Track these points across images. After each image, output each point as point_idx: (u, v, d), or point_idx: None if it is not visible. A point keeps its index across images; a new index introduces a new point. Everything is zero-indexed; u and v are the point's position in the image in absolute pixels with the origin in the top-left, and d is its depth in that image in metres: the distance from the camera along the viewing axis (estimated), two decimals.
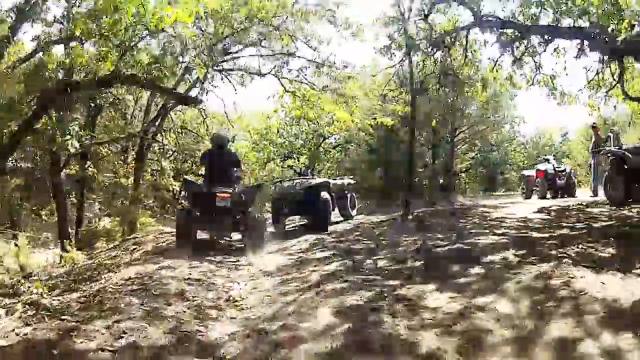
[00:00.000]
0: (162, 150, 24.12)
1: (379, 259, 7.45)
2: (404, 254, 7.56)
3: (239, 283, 6.76)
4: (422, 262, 6.79)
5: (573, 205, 12.06)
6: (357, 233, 10.66)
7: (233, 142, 22.52)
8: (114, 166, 21.96)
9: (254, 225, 9.31)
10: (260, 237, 9.31)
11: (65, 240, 14.61)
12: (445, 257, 6.88)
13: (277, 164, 29.05)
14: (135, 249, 10.64)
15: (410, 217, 11.58)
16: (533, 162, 34.89)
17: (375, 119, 20.16)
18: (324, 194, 11.84)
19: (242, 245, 9.36)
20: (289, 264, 7.92)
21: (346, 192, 13.78)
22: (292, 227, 13.42)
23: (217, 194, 8.58)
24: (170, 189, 28.45)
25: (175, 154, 31.95)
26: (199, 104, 11.14)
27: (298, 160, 27.74)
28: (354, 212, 14.10)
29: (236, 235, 10.06)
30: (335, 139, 28.17)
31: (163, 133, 21.53)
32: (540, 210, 11.28)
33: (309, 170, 14.14)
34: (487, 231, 8.66)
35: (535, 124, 62.70)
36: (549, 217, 10.38)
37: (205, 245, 9.24)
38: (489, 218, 10.75)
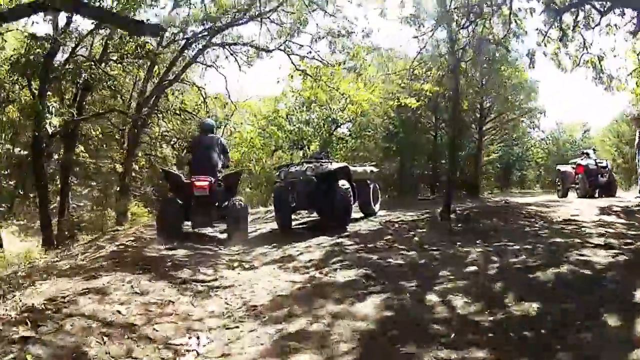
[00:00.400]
0: (161, 135, 21.39)
1: (445, 289, 4.59)
2: (482, 279, 4.78)
3: (198, 337, 3.82)
4: (533, 304, 3.95)
5: (633, 205, 9.91)
6: (388, 237, 7.60)
7: (220, 127, 21.28)
8: (104, 149, 19.24)
9: (235, 214, 8.38)
10: (242, 229, 8.45)
11: (46, 232, 13.69)
12: (563, 289, 4.10)
13: (285, 151, 26.21)
14: (98, 247, 8.06)
15: (453, 215, 8.76)
16: (554, 159, 32.18)
17: (398, 99, 17.17)
18: (344, 183, 9.00)
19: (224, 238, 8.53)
20: (292, 292, 4.95)
21: (369, 181, 10.91)
22: (300, 225, 10.55)
23: (194, 184, 7.98)
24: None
25: (178, 140, 29.64)
26: (158, 33, 8.87)
27: (308, 149, 24.89)
28: (377, 207, 11.13)
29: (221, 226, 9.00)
30: (348, 127, 25.16)
31: (161, 115, 18.76)
32: (605, 212, 8.91)
33: (324, 153, 10.92)
34: (578, 241, 6.05)
35: (554, 118, 59.28)
36: (627, 221, 7.91)
37: (187, 239, 8.02)
38: (555, 220, 8.14)
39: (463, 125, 20.19)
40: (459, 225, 8.10)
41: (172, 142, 28.81)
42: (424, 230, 8.03)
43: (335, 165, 9.39)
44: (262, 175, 24.73)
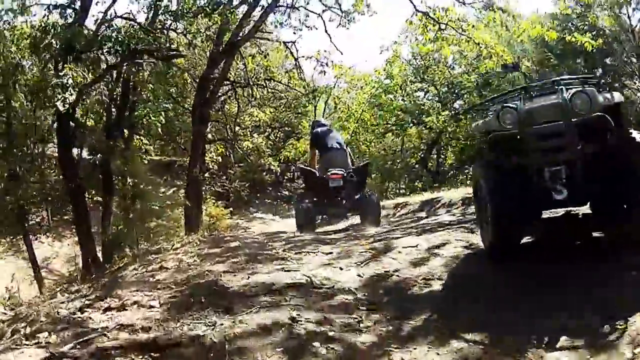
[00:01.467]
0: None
1: None
2: None
3: None
4: None
5: None
6: None
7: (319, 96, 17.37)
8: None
9: (367, 205, 8.32)
10: (375, 219, 8.17)
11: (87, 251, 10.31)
12: None
13: (400, 132, 20.60)
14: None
15: None
16: None
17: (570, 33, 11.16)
18: None
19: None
20: None
21: None
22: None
23: (330, 175, 8.01)
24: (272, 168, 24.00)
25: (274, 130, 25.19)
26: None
27: (425, 127, 19.13)
28: None
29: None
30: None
31: (239, 88, 13.77)
32: None
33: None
34: None
35: None
36: None
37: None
38: None
39: None
40: None
41: (265, 132, 24.37)
42: None
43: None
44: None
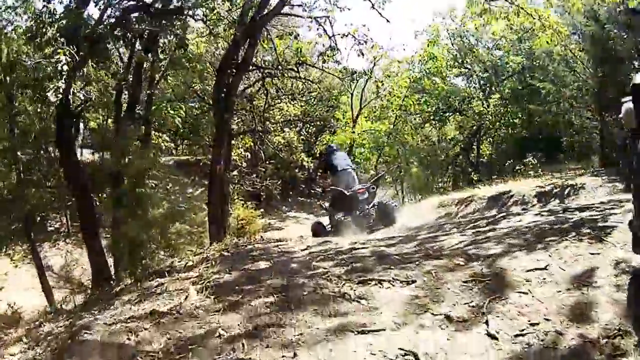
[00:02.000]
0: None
1: None
2: None
3: None
4: None
5: None
6: None
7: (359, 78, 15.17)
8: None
9: (386, 208, 9.07)
10: (392, 220, 8.86)
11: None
12: None
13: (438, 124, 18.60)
14: None
15: None
16: None
17: None
18: None
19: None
20: None
21: None
22: None
23: (358, 190, 8.74)
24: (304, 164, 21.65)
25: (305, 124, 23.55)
26: None
27: (467, 116, 17.04)
28: None
29: None
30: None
31: (267, 75, 11.92)
32: None
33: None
34: None
35: None
36: None
37: None
38: None
39: None
40: None
41: (297, 127, 22.73)
42: None
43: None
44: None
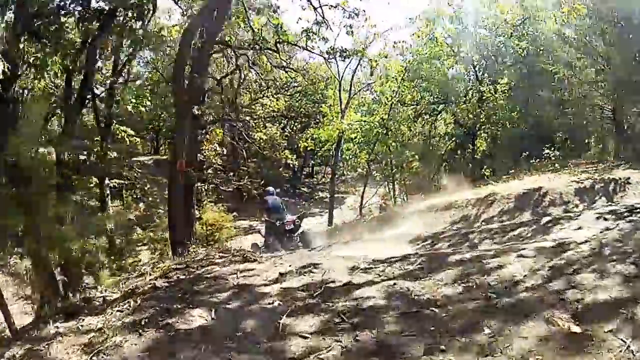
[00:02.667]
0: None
1: None
2: None
3: None
4: None
5: None
6: None
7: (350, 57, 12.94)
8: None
9: (306, 237, 10.13)
10: (310, 245, 9.80)
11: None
12: None
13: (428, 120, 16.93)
14: None
15: None
16: None
17: None
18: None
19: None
20: None
21: None
22: None
23: (286, 223, 9.93)
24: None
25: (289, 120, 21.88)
26: None
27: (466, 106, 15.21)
28: None
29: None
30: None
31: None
32: None
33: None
34: None
35: None
36: None
37: None
38: None
39: None
40: None
41: (280, 123, 20.90)
42: None
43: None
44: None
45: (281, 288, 3.18)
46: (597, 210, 5.55)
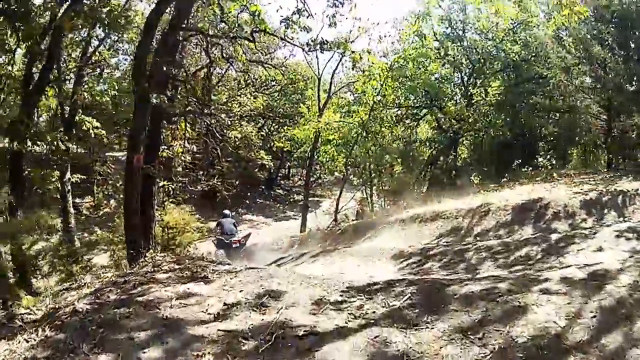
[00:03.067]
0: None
1: None
2: None
3: None
4: None
5: None
6: None
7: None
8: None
9: (250, 254, 11.75)
10: (253, 258, 11.18)
11: None
12: None
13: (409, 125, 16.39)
14: None
15: None
16: None
17: None
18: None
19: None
20: None
21: None
22: None
23: (233, 242, 11.17)
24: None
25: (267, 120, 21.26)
26: None
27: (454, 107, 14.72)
28: None
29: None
30: None
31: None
32: None
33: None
34: None
35: None
36: None
37: None
38: None
39: None
40: None
41: (258, 123, 20.16)
42: None
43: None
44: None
45: (220, 331, 2.30)
46: (611, 226, 4.77)
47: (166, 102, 8.40)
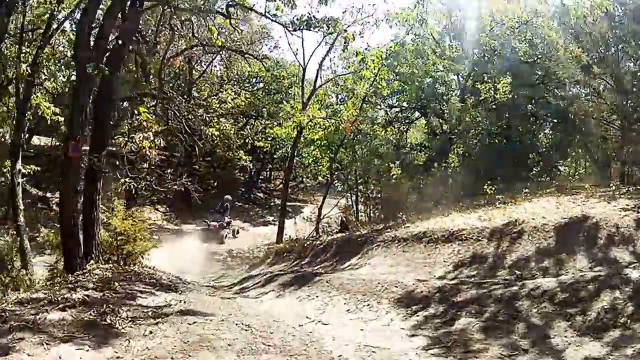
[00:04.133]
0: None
1: None
2: None
3: None
4: None
5: None
6: None
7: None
8: None
9: (233, 233, 16.42)
10: (237, 235, 16.49)
11: None
12: None
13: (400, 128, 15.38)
14: None
15: None
16: None
17: None
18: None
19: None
20: None
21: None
22: None
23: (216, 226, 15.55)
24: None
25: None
26: None
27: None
28: None
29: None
30: None
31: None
32: None
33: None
34: None
35: None
36: None
37: None
38: None
39: None
40: None
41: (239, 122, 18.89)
42: None
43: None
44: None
45: None
46: None
47: (115, 80, 6.82)
